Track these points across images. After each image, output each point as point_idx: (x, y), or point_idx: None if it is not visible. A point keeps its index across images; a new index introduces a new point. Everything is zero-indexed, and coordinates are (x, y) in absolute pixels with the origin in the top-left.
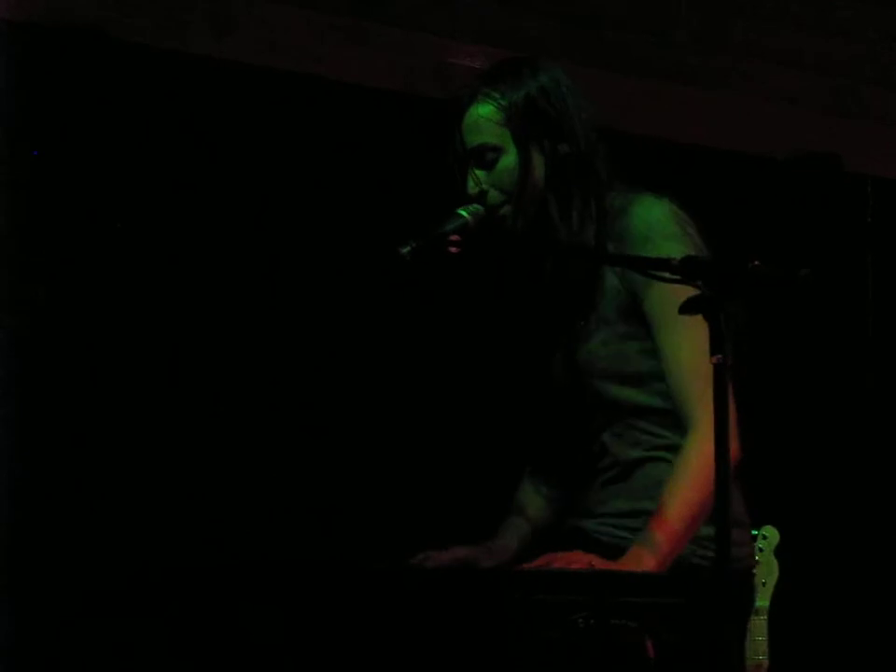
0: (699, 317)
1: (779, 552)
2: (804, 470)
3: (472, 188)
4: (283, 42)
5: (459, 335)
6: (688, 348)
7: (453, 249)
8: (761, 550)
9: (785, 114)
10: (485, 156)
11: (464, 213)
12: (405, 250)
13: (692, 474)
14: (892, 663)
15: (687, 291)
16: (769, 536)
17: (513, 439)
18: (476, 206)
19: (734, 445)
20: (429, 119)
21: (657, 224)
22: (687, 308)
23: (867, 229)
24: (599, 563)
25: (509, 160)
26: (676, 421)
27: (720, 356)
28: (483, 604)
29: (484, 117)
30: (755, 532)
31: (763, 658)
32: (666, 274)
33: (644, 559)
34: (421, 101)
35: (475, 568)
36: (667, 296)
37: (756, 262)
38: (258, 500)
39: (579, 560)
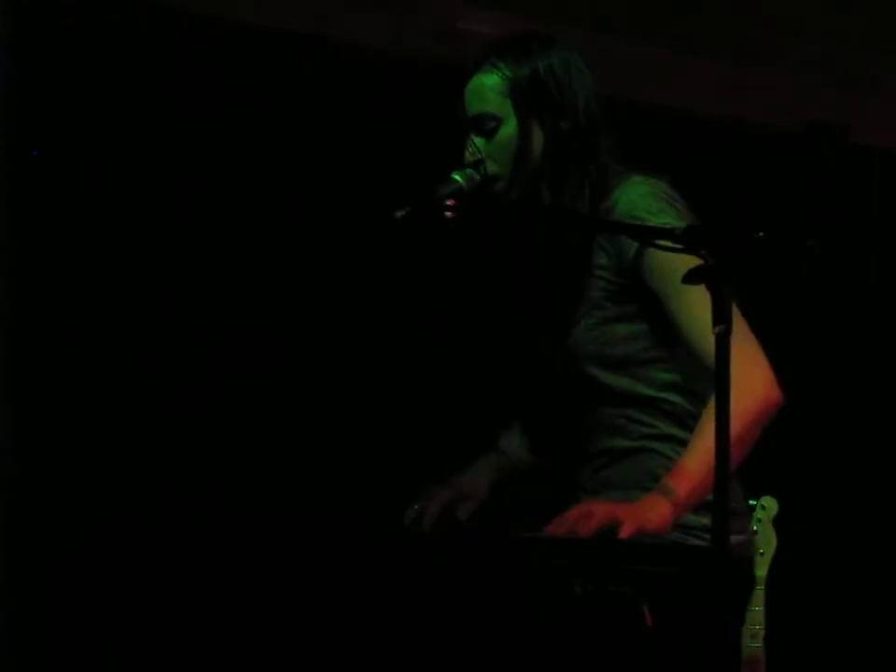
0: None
1: (778, 522)
2: (803, 441)
3: (470, 155)
4: (294, 4)
5: (454, 300)
6: (706, 308)
7: (448, 213)
8: (759, 520)
9: (791, 85)
10: (485, 124)
11: (458, 177)
12: (400, 214)
13: (711, 427)
14: (889, 636)
15: (684, 256)
16: (767, 506)
17: (504, 409)
18: (471, 171)
19: (774, 391)
20: (438, 85)
21: (640, 201)
22: (690, 278)
23: (873, 200)
24: (614, 507)
25: (508, 130)
26: (666, 411)
27: (722, 326)
28: (480, 570)
29: (488, 86)
30: (753, 502)
31: (760, 628)
32: (668, 243)
33: (658, 503)
34: (429, 66)
35: (468, 531)
36: (668, 263)
37: (761, 233)
38: (255, 493)
39: (597, 511)
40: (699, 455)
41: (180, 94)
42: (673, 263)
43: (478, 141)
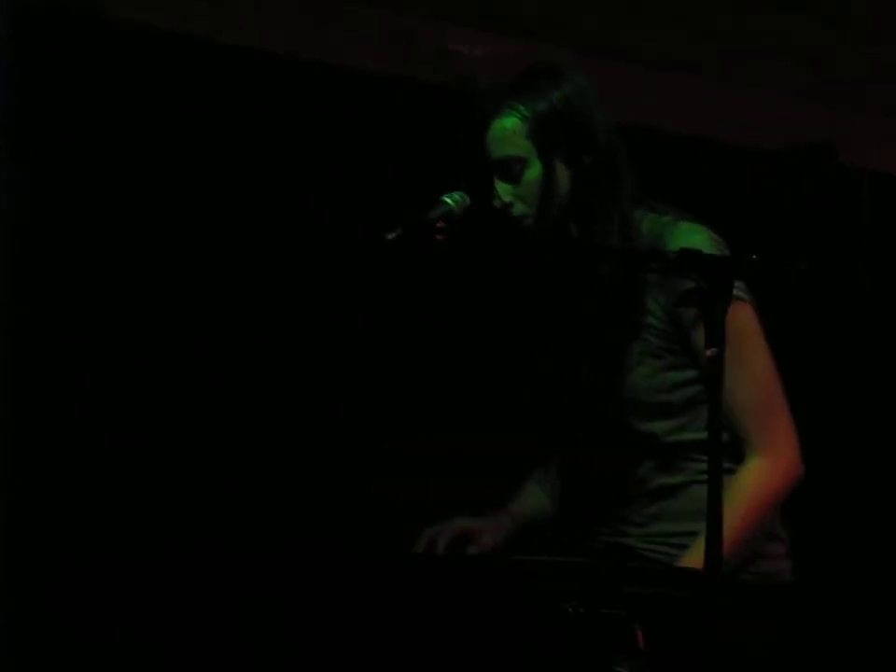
0: (756, 348)
1: None
2: None
3: (498, 201)
4: (281, 25)
5: (449, 323)
6: (746, 380)
7: (439, 236)
8: None
9: (780, 105)
10: (511, 169)
11: (448, 200)
12: (390, 237)
13: (739, 505)
14: (888, 658)
15: (745, 326)
16: None
17: (513, 440)
18: (461, 194)
19: (795, 464)
20: (428, 105)
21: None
22: (682, 301)
23: (862, 221)
24: None
25: (534, 172)
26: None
27: (714, 349)
28: (474, 592)
29: (509, 129)
30: None
31: None
32: (661, 267)
33: None
34: (420, 86)
35: (467, 552)
36: (726, 329)
37: (754, 256)
38: (255, 494)
39: None
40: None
41: (179, 101)
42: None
43: (504, 186)
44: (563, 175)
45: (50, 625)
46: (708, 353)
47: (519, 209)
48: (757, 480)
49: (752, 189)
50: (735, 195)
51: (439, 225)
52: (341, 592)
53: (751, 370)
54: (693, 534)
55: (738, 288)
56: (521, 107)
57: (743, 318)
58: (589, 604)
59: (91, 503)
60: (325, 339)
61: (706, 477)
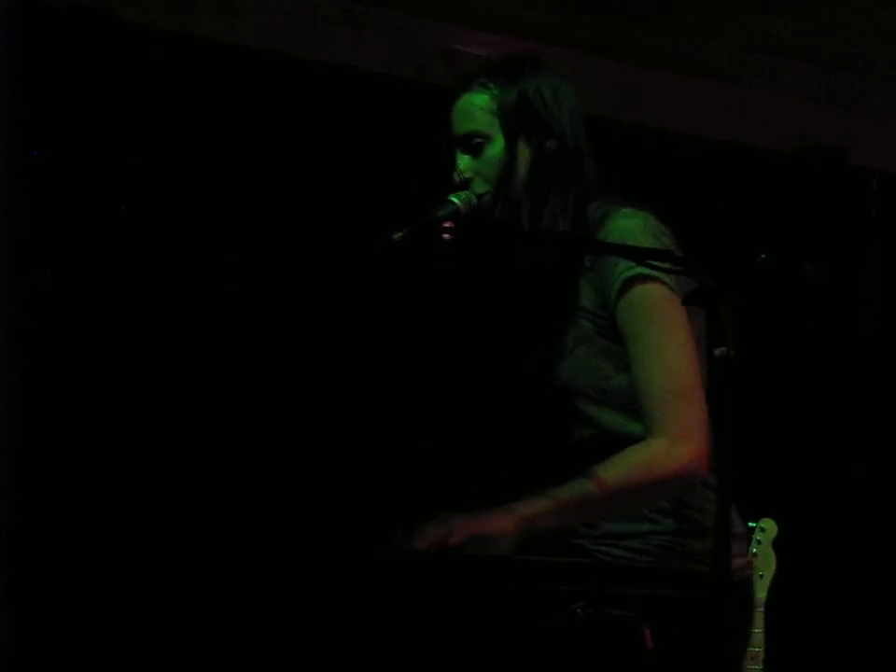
0: (678, 328)
1: (777, 544)
2: (802, 463)
3: (457, 174)
4: (291, 27)
5: (452, 322)
6: (660, 360)
7: (445, 236)
8: (759, 542)
9: (791, 107)
10: (472, 142)
11: (455, 200)
12: (397, 236)
13: (618, 467)
14: (887, 657)
15: (658, 302)
16: (767, 528)
17: (500, 436)
18: (468, 194)
19: (693, 455)
20: (436, 106)
21: (630, 235)
22: (690, 300)
23: (872, 223)
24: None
25: (495, 149)
26: None
27: (722, 349)
28: (482, 592)
29: (477, 104)
30: (752, 524)
31: (759, 650)
32: (668, 266)
33: (500, 515)
34: (428, 87)
35: (472, 555)
36: (638, 307)
37: (763, 256)
38: (258, 492)
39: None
40: (562, 496)
41: (186, 101)
42: (642, 307)
43: (465, 160)
44: (523, 156)
45: (51, 625)
46: (717, 352)
47: (478, 186)
48: (649, 454)
49: (762, 190)
50: (744, 196)
51: (446, 224)
52: (344, 593)
53: (661, 354)
54: (638, 536)
55: (650, 268)
56: (492, 86)
57: (653, 298)
58: (598, 605)
59: (92, 503)
60: (330, 338)
61: None
